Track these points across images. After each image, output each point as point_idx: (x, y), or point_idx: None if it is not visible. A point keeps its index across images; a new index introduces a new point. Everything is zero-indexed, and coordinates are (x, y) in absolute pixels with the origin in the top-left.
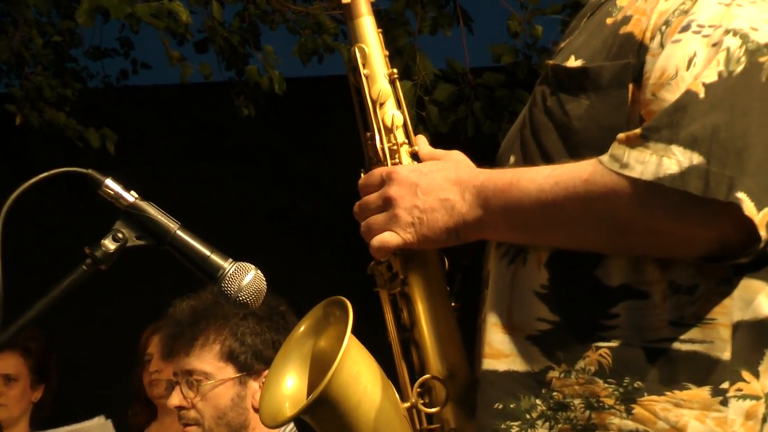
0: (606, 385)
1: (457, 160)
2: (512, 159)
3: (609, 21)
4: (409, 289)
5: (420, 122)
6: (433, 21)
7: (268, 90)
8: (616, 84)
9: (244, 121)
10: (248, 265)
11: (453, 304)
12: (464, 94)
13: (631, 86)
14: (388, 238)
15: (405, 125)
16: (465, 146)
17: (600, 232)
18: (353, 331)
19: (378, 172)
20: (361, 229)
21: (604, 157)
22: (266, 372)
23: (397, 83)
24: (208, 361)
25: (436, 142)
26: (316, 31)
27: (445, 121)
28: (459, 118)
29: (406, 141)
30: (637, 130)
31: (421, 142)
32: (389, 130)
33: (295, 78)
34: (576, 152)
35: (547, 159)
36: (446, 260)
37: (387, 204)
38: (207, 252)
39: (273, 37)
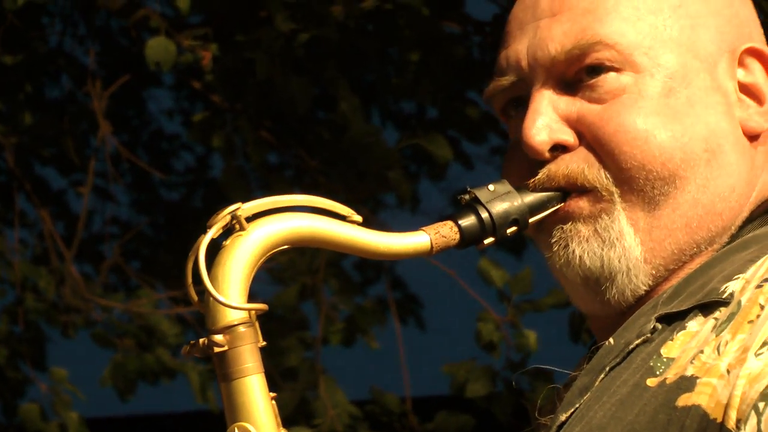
0: None
1: None
2: None
3: (652, 382)
4: None
5: None
6: (348, 321)
7: None
8: None
9: None
10: None
11: None
12: None
13: None
14: None
15: None
16: None
17: None
18: None
19: None
20: None
21: None
22: None
23: None
24: None
25: None
26: (146, 343)
27: None
28: None
29: None
30: None
31: None
32: None
33: (110, 419)
34: None
35: None
36: None
37: None
38: None
39: (69, 352)
